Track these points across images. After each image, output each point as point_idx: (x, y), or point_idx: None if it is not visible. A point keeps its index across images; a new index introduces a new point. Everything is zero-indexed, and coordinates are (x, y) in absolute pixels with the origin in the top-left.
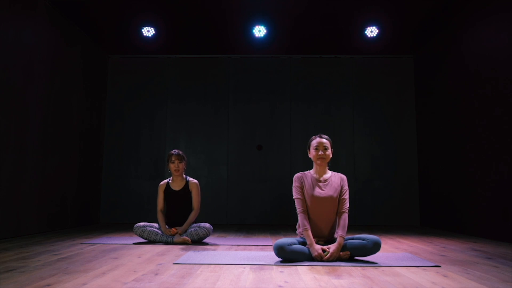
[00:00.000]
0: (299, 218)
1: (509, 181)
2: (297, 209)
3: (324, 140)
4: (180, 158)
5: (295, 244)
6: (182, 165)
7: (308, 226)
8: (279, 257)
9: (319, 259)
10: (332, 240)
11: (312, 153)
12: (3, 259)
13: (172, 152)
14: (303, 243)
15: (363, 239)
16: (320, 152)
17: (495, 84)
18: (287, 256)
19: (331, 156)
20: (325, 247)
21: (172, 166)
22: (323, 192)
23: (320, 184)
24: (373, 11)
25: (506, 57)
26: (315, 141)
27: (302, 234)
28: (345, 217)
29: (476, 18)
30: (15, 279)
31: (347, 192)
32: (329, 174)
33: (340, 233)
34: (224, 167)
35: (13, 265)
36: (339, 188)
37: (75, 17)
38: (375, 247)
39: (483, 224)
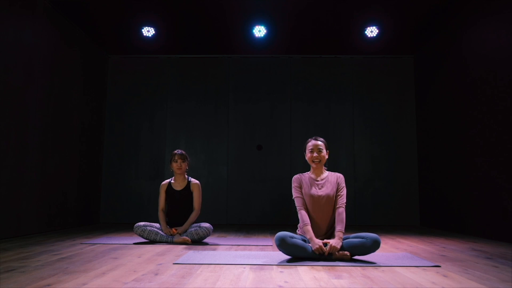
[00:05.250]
0: (299, 215)
1: (509, 181)
2: (297, 207)
3: (318, 142)
4: (183, 157)
5: (296, 238)
6: (184, 165)
7: (308, 222)
8: (279, 249)
9: (319, 252)
10: (331, 237)
11: (307, 156)
12: (3, 259)
13: (176, 151)
14: (304, 241)
15: (362, 237)
16: (315, 154)
17: (495, 84)
18: (288, 249)
19: (326, 157)
20: (325, 240)
21: (175, 165)
22: (320, 191)
23: (317, 183)
24: (373, 11)
25: (506, 57)
26: (310, 143)
27: (303, 231)
28: (341, 211)
29: (476, 18)
30: (15, 279)
31: (344, 189)
32: (326, 174)
33: (338, 228)
34: (224, 167)
35: (13, 265)
36: (336, 186)
37: (75, 17)
38: (374, 245)
39: (483, 224)
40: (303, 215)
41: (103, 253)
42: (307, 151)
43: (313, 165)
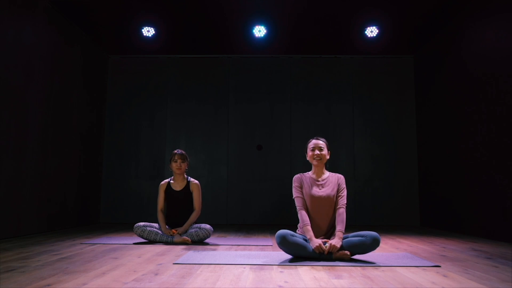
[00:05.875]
0: (299, 215)
1: (509, 181)
2: (297, 207)
3: (320, 141)
4: (183, 157)
5: (297, 237)
6: (184, 165)
7: (307, 222)
8: (280, 247)
9: (319, 250)
10: (332, 238)
11: (309, 154)
12: (3, 259)
13: (176, 151)
14: (304, 240)
15: (362, 236)
16: (316, 152)
17: (495, 84)
18: (288, 247)
19: (327, 157)
20: (325, 240)
21: (174, 165)
22: (321, 191)
23: (318, 183)
24: (373, 11)
25: (506, 57)
26: (311, 143)
27: (303, 231)
28: (342, 212)
29: (476, 18)
30: (15, 279)
31: (345, 190)
32: (327, 174)
33: (338, 227)
34: (224, 167)
35: (13, 265)
36: (337, 187)
37: (75, 17)
38: (374, 243)
39: (483, 224)
40: (303, 215)
41: (103, 253)
42: (308, 150)
43: (314, 162)
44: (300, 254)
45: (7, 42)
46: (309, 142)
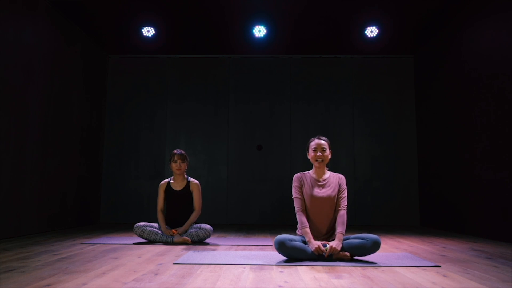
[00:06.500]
0: (297, 216)
1: (509, 182)
2: (295, 208)
3: (322, 142)
4: (182, 157)
5: (296, 240)
6: (184, 165)
7: (306, 224)
8: (279, 252)
9: (319, 252)
10: (331, 239)
11: (310, 155)
12: (3, 259)
13: (175, 151)
14: (303, 242)
15: (363, 238)
16: (318, 154)
17: (495, 84)
18: (287, 252)
19: (329, 157)
20: (324, 242)
21: (174, 166)
22: (321, 192)
23: (319, 184)
24: (373, 11)
25: (506, 57)
26: (313, 142)
27: (301, 233)
28: (343, 214)
29: (476, 18)
30: (15, 279)
31: (345, 191)
32: (327, 174)
33: (339, 229)
34: (224, 167)
35: (13, 265)
36: (337, 188)
37: (75, 17)
38: (374, 246)
39: (483, 224)
40: (301, 216)
41: (103, 253)
42: (310, 150)
43: (316, 164)
44: (300, 257)
45: (7, 42)
46: (311, 141)
